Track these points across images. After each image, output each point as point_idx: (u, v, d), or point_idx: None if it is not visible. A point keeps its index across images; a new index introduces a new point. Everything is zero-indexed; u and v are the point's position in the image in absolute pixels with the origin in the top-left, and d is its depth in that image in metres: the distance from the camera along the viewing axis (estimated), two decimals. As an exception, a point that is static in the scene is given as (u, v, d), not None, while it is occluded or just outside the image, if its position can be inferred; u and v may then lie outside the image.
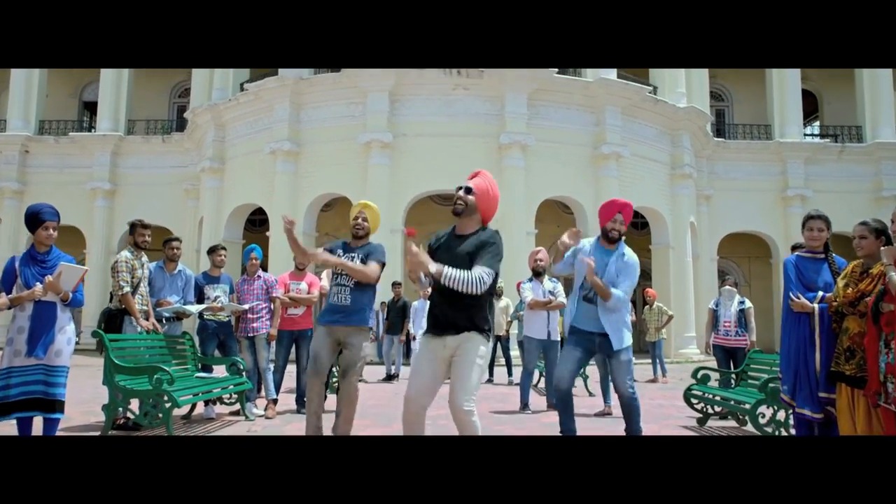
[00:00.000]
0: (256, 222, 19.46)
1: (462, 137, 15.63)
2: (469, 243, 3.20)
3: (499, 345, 10.68)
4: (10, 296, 3.96)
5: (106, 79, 20.61)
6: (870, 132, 20.70)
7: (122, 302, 5.45)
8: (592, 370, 9.41)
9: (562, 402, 4.54)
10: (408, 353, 12.68)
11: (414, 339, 10.55)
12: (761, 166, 20.40)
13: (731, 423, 6.36)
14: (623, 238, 4.59)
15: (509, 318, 10.45)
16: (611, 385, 6.21)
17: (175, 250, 6.08)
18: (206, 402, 6.04)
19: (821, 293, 3.91)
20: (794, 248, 5.56)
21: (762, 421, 5.15)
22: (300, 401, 6.56)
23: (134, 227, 5.68)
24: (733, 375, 6.56)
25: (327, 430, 4.50)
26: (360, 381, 4.69)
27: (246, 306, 6.39)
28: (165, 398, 4.84)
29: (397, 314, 11.02)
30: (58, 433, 4.18)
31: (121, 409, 5.06)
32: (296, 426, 5.67)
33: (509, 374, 10.84)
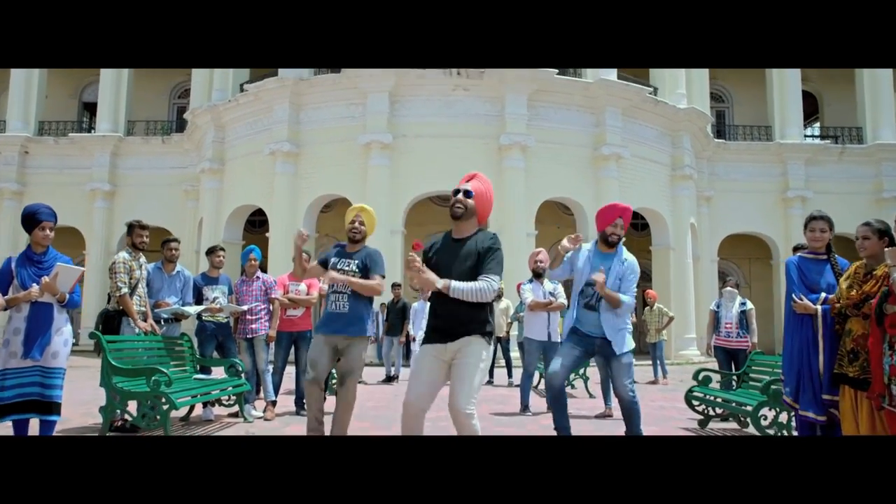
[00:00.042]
0: (256, 223, 19.43)
1: (462, 138, 15.61)
2: (469, 247, 3.19)
3: (499, 346, 10.62)
4: (6, 297, 3.93)
5: (105, 79, 20.58)
6: (870, 133, 20.68)
7: (119, 303, 5.42)
8: (593, 371, 9.38)
9: (555, 399, 4.51)
10: (407, 354, 12.65)
11: (414, 340, 10.51)
12: (762, 167, 20.38)
13: (733, 425, 6.34)
14: (622, 241, 4.58)
15: (509, 320, 10.40)
16: (611, 387, 6.19)
17: (173, 251, 6.06)
18: (205, 404, 6.02)
19: (823, 294, 3.90)
20: (795, 248, 5.56)
21: (764, 423, 5.13)
22: (299, 402, 6.53)
23: (132, 227, 5.66)
24: (735, 377, 6.54)
25: (327, 432, 4.47)
26: (359, 382, 4.66)
27: (245, 307, 6.37)
28: (163, 400, 4.81)
29: (397, 315, 10.98)
30: (55, 435, 4.15)
31: (118, 411, 5.03)
32: (295, 428, 5.64)
33: (509, 375, 10.81)
